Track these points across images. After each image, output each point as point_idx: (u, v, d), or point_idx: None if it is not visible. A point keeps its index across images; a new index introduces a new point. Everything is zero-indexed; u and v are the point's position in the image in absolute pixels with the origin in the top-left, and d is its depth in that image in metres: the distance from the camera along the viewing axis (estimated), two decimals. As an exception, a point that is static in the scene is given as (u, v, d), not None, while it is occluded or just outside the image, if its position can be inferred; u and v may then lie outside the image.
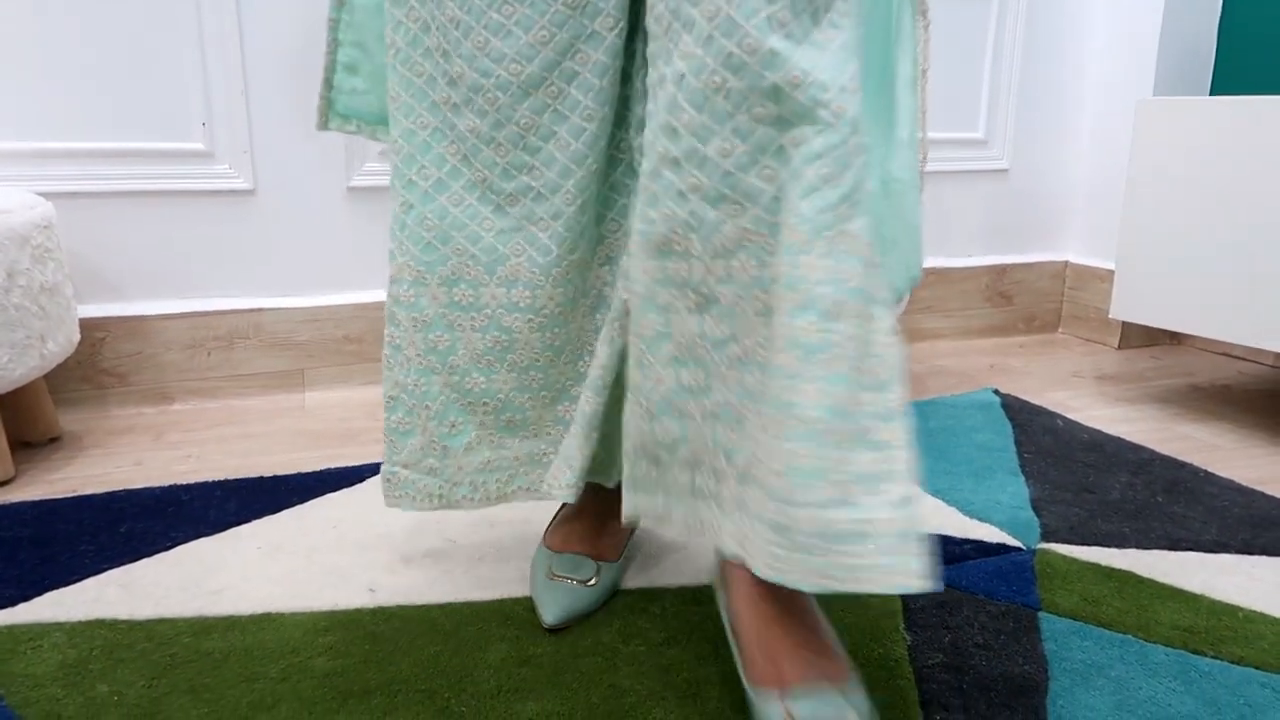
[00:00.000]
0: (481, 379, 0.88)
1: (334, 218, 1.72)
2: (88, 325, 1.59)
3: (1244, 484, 1.33)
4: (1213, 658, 0.88)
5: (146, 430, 1.55)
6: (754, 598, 0.73)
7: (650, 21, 0.66)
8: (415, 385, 0.91)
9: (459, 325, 0.87)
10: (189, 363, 1.67)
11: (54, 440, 1.49)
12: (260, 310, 1.70)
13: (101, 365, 1.62)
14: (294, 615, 0.97)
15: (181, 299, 1.67)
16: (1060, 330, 2.31)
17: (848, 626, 0.93)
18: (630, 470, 0.79)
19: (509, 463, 0.93)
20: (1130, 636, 0.92)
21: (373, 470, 1.36)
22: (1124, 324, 2.16)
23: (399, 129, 0.85)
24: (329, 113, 0.98)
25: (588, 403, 0.86)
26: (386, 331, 0.92)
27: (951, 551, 1.10)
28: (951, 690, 0.82)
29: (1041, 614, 0.96)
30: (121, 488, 1.29)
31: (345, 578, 1.05)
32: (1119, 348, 2.16)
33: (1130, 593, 1.01)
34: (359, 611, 0.98)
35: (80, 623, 0.94)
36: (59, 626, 0.94)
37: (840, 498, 0.57)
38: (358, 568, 1.07)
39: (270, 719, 0.81)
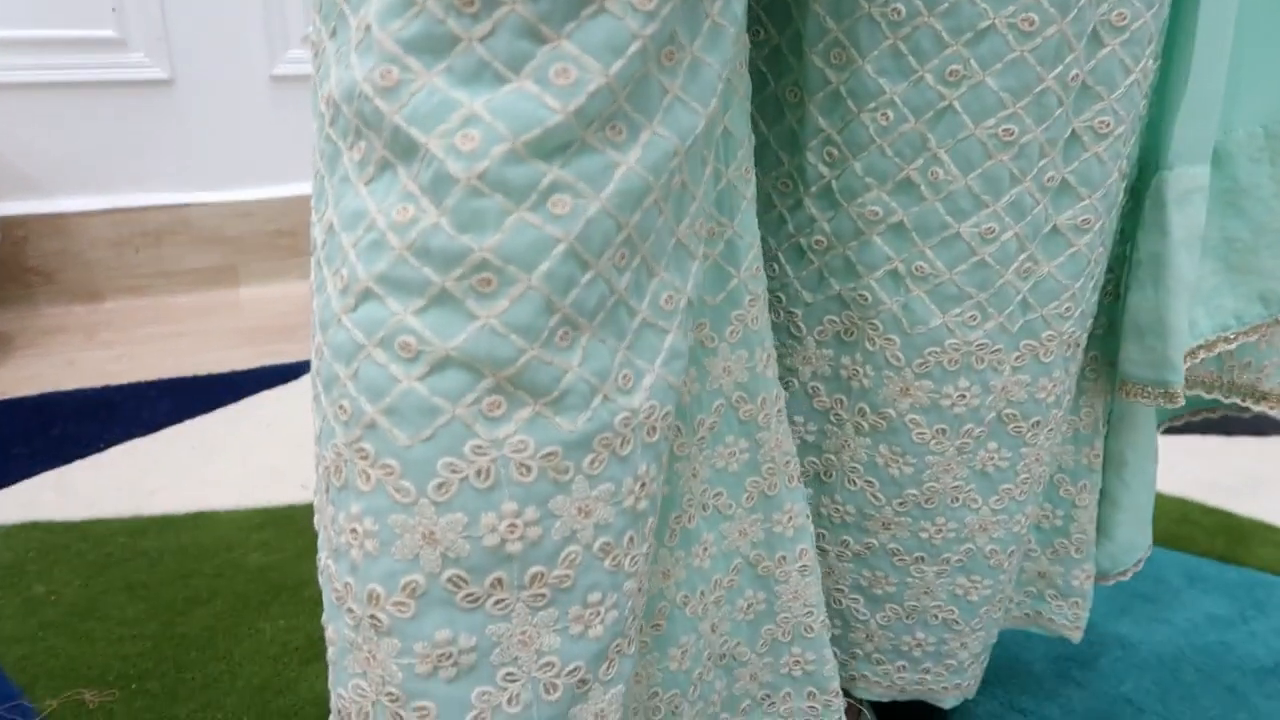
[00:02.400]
0: None
1: (258, 108, 1.67)
2: (7, 223, 1.55)
3: None
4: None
5: (78, 329, 1.54)
6: None
7: None
8: None
9: None
10: (118, 260, 1.64)
11: (-17, 342, 1.48)
12: (187, 205, 1.66)
13: (27, 264, 1.59)
14: (228, 513, 1.00)
15: (104, 194, 1.63)
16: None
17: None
18: None
19: None
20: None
21: (308, 367, 1.37)
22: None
23: None
24: None
25: None
26: None
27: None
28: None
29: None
30: (53, 389, 1.29)
31: (279, 475, 1.07)
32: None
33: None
34: (292, 508, 1.01)
35: (15, 525, 0.96)
36: (-6, 530, 0.96)
37: None
38: (292, 465, 1.09)
39: (206, 613, 0.85)
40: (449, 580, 0.35)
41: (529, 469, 0.35)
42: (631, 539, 0.38)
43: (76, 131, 1.58)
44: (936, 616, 0.60)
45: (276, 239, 1.74)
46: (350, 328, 0.34)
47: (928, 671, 0.63)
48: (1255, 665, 0.84)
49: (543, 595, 0.36)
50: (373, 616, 0.36)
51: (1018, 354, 0.52)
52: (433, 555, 0.35)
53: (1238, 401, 0.65)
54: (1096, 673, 0.83)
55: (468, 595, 0.35)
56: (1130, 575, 0.72)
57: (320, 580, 0.39)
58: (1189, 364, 0.58)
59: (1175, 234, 0.52)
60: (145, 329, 1.55)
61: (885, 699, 0.65)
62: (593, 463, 0.36)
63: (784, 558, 0.52)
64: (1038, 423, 0.55)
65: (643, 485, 0.38)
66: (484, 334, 0.33)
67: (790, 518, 0.51)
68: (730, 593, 0.52)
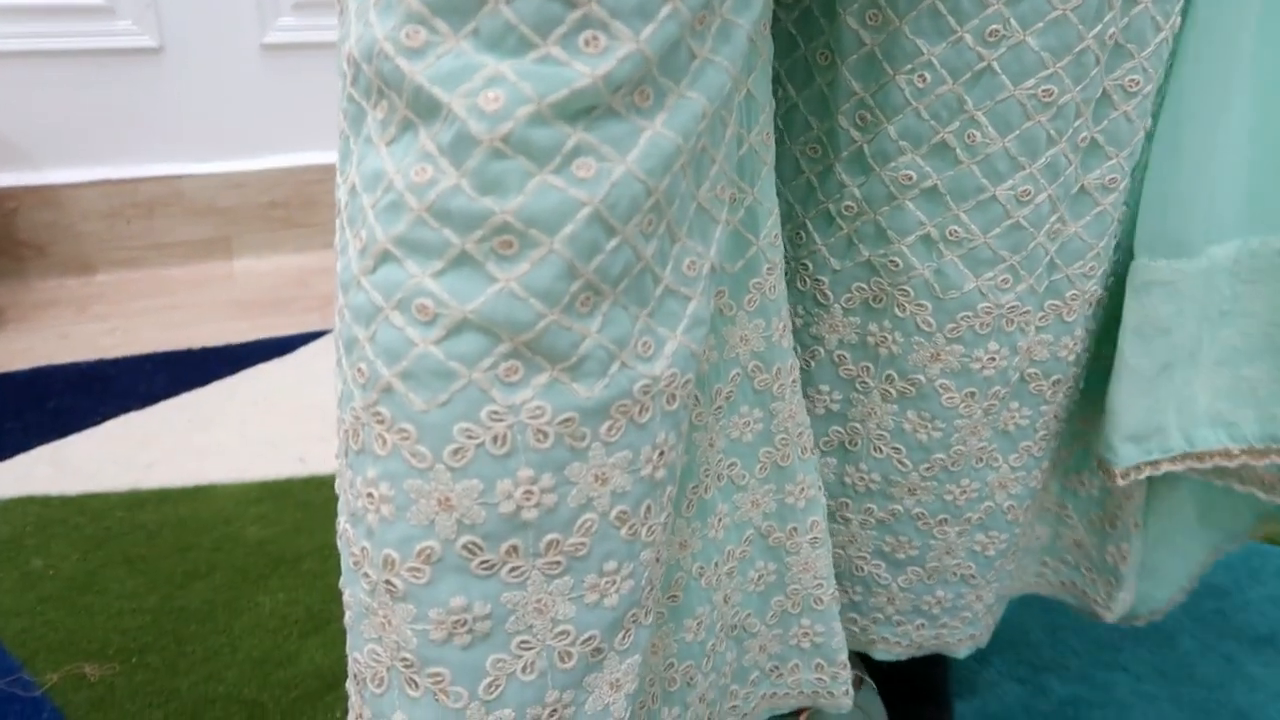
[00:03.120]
0: None
1: (249, 77, 1.65)
2: (-3, 195, 1.53)
3: None
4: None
5: (70, 303, 1.52)
6: None
7: None
8: None
9: None
10: (110, 232, 1.63)
11: (-26, 315, 1.46)
12: (180, 177, 1.64)
13: (18, 236, 1.57)
14: (226, 486, 0.99)
15: (95, 166, 1.61)
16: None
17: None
18: None
19: None
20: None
21: (303, 339, 1.37)
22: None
23: None
24: None
25: None
26: None
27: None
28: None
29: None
30: (47, 363, 1.28)
31: (276, 448, 1.07)
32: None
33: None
34: (290, 481, 1.01)
35: (11, 499, 0.96)
36: (-10, 504, 0.95)
37: None
38: (289, 438, 1.09)
39: (205, 586, 0.84)
40: (464, 546, 0.35)
41: (546, 435, 0.34)
42: (649, 508, 0.38)
43: (65, 101, 1.56)
44: (956, 574, 0.60)
45: (270, 210, 1.72)
46: (369, 290, 0.34)
47: (944, 626, 0.63)
48: (1252, 634, 0.85)
49: (558, 563, 0.36)
50: (388, 582, 0.35)
51: (1042, 314, 0.52)
52: (448, 521, 0.34)
53: None
54: (1094, 642, 0.83)
55: (483, 562, 0.35)
56: (1145, 622, 0.71)
57: (339, 544, 0.39)
58: (1212, 463, 0.58)
59: (1128, 320, 0.53)
60: (138, 302, 1.53)
61: (903, 658, 0.65)
62: (610, 430, 0.35)
63: (795, 529, 0.52)
64: (1058, 381, 0.55)
65: (661, 454, 0.37)
66: (503, 297, 0.32)
67: (802, 489, 0.51)
68: (742, 564, 0.51)
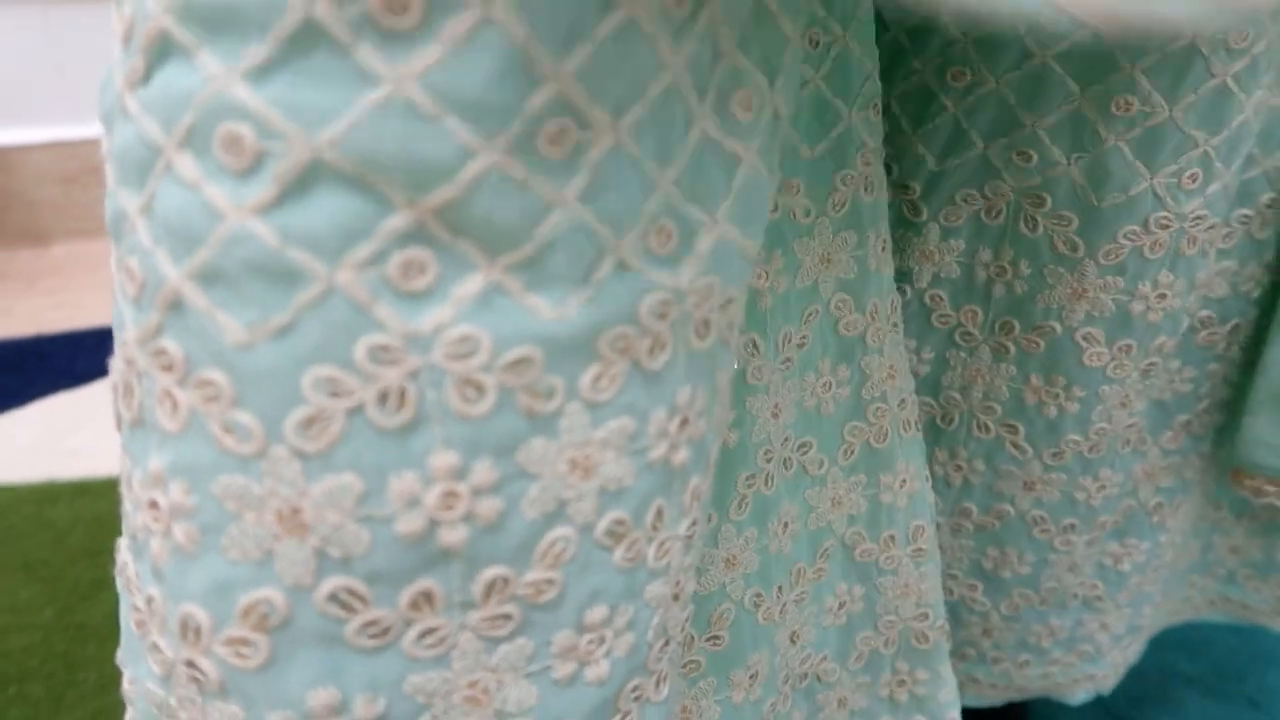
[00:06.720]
0: None
1: (222, 30, 1.51)
2: (-59, 157, 1.39)
3: None
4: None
5: (19, 276, 1.38)
6: None
7: None
8: None
9: None
10: (66, 199, 1.48)
11: (-89, 288, 1.32)
12: (144, 139, 1.50)
13: (-35, 204, 1.43)
14: (159, 477, 0.84)
15: (50, 125, 1.46)
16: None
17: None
18: None
19: None
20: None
21: (270, 315, 1.22)
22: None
23: None
24: None
25: None
26: None
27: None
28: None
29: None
30: (-19, 339, 1.14)
31: (224, 434, 0.92)
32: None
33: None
34: (235, 471, 0.86)
35: (-97, 491, 0.81)
36: (-125, 496, 0.81)
37: None
38: (240, 422, 0.94)
39: (113, 597, 0.69)
40: (332, 597, 0.19)
41: (481, 390, 0.18)
42: (660, 513, 0.22)
43: (15, 52, 1.41)
44: (1077, 595, 0.45)
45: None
46: (140, 117, 0.18)
47: (1055, 663, 0.47)
48: None
49: (506, 618, 0.20)
50: (191, 664, 0.19)
51: (1228, 230, 0.36)
52: (300, 552, 0.18)
53: None
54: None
55: (369, 624, 0.19)
56: None
57: (119, 586, 0.23)
58: None
59: None
60: (94, 275, 1.39)
61: (997, 703, 0.49)
62: (599, 381, 0.19)
63: (892, 538, 0.36)
64: (1235, 328, 0.40)
65: (683, 423, 0.21)
66: (393, 112, 0.16)
67: (903, 481, 0.35)
68: (817, 588, 0.35)
